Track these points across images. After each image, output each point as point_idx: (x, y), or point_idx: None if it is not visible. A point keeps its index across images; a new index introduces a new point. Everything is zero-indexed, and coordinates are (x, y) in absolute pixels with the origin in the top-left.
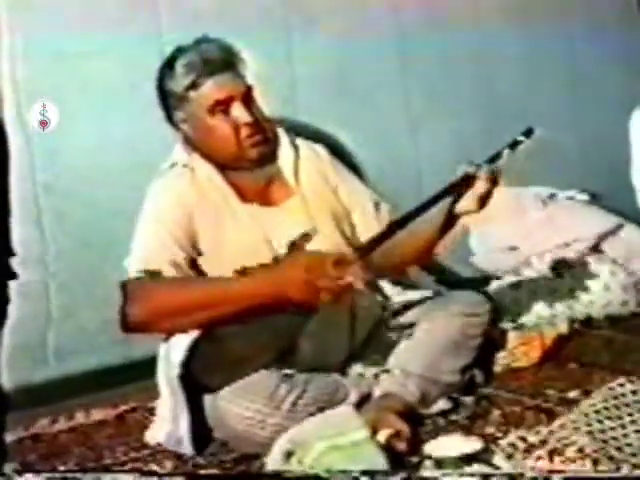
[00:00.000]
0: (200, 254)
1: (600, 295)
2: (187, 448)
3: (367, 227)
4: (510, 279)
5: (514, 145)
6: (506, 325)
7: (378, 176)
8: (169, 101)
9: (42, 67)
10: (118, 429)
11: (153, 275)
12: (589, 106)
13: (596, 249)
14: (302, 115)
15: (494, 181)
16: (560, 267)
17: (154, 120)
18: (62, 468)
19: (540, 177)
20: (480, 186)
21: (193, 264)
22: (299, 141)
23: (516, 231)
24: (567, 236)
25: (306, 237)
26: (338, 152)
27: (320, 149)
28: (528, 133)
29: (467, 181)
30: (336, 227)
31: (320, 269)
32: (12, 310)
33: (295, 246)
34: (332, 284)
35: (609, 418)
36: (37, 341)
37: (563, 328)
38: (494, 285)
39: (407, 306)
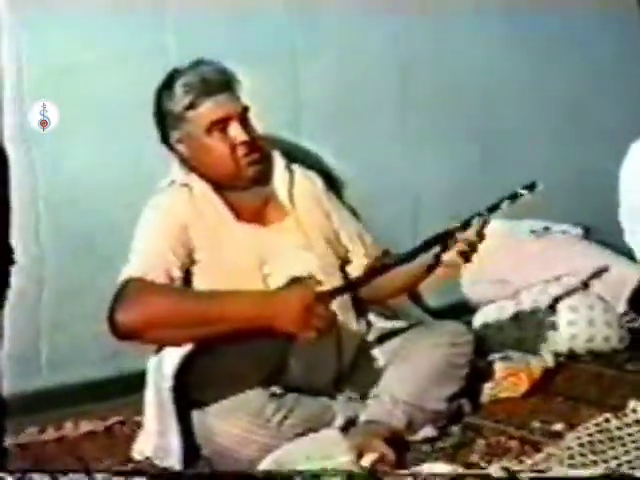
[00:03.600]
0: (194, 270)
1: (583, 330)
2: (176, 462)
3: (353, 257)
4: (495, 309)
5: (514, 197)
6: (492, 356)
7: (375, 202)
8: (166, 121)
9: (46, 79)
10: (106, 441)
11: (147, 284)
12: (586, 139)
13: (585, 284)
14: (304, 139)
15: (479, 237)
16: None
17: (156, 137)
18: None
19: (534, 210)
20: (462, 243)
21: (186, 279)
22: (294, 166)
23: (507, 263)
24: (558, 270)
25: (312, 279)
26: (325, 176)
27: (314, 175)
28: (531, 187)
29: (452, 235)
30: (329, 249)
31: (315, 307)
32: (6, 319)
33: (297, 281)
34: (324, 323)
35: (593, 452)
36: (31, 351)
37: (550, 361)
38: (479, 315)
39: (393, 333)
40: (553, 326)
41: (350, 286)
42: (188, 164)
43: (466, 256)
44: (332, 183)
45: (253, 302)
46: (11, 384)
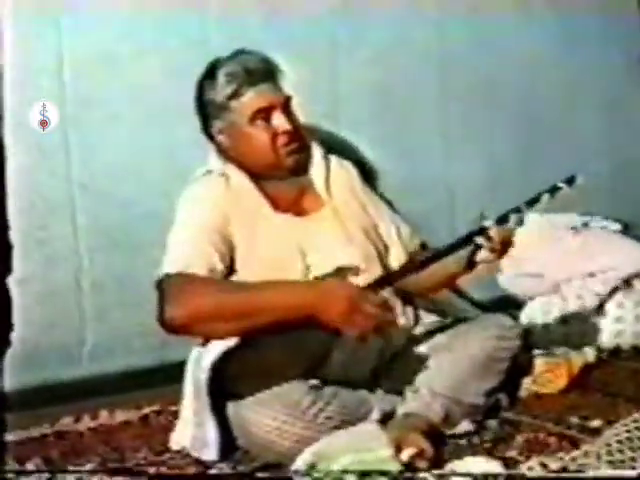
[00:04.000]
0: (235, 261)
1: (630, 326)
2: (212, 454)
3: (392, 248)
4: (540, 304)
5: (554, 191)
6: (535, 351)
7: (410, 194)
8: (208, 111)
9: (87, 67)
10: (141, 431)
11: (190, 278)
12: (623, 134)
13: (628, 282)
14: (343, 129)
15: (508, 240)
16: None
17: (194, 127)
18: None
19: (572, 204)
20: (493, 243)
21: (229, 270)
22: (330, 156)
23: (546, 257)
24: (598, 265)
25: (354, 270)
26: (362, 168)
27: (349, 166)
28: (570, 181)
29: (484, 233)
30: (367, 239)
31: (361, 304)
32: (43, 308)
33: (340, 272)
34: (368, 322)
35: (632, 449)
36: (73, 340)
37: (591, 357)
38: (526, 309)
39: (439, 328)
40: (599, 322)
41: (387, 279)
42: (226, 154)
43: (499, 253)
44: (367, 174)
45: (299, 291)
46: (50, 373)
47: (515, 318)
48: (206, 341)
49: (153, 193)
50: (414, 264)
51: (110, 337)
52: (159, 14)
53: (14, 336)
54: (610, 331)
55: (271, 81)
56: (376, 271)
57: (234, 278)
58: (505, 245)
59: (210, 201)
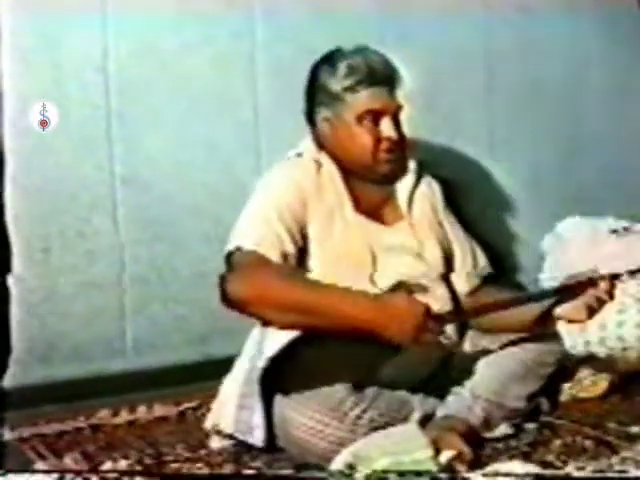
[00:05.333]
0: (306, 248)
1: None
2: (258, 439)
3: (463, 273)
4: None
5: (634, 273)
6: (575, 355)
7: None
8: (318, 96)
9: (132, 60)
10: (178, 426)
11: (263, 259)
12: None
13: None
14: None
15: (610, 296)
16: None
17: (238, 121)
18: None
19: (615, 208)
20: (594, 296)
21: (300, 257)
22: (423, 174)
23: (589, 262)
24: None
25: (419, 286)
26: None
27: (436, 186)
28: None
29: (582, 286)
30: (438, 258)
31: (427, 322)
32: (83, 301)
33: (406, 287)
34: (431, 338)
35: None
36: (113, 333)
37: (632, 362)
38: None
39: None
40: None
41: (460, 316)
42: (322, 143)
43: (593, 311)
44: (450, 193)
45: (366, 305)
46: (93, 366)
47: None
48: (265, 324)
49: (196, 187)
50: (494, 305)
51: (150, 331)
52: (204, 7)
53: (55, 329)
54: None
55: (389, 86)
56: (441, 292)
57: (307, 265)
58: (601, 304)
59: (293, 182)
